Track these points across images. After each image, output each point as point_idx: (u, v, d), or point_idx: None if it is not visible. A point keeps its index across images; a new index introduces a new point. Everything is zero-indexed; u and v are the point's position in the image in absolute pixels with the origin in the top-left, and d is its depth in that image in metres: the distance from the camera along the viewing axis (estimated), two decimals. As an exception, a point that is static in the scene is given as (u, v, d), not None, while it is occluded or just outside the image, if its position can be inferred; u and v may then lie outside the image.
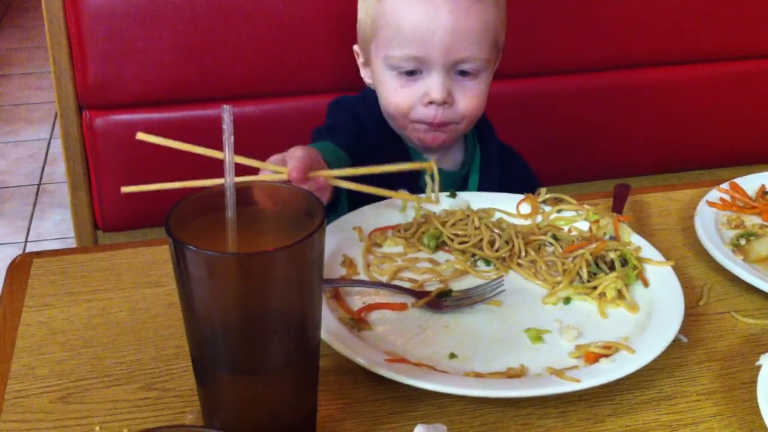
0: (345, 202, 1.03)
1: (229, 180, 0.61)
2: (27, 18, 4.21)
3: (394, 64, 1.11)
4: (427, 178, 1.00)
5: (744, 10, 1.64)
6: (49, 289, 0.88)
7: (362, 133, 1.17)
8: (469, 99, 1.12)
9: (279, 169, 0.86)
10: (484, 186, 1.19)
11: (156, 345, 0.80)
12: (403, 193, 0.97)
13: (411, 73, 1.10)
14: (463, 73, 1.11)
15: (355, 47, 1.21)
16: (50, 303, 0.86)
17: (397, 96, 1.12)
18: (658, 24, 1.61)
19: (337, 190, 0.97)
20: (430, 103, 1.10)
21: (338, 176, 0.89)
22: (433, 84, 1.09)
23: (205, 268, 0.57)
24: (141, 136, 0.92)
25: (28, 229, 2.58)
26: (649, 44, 1.63)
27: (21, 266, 0.91)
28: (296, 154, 0.87)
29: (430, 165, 0.98)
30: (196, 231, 0.60)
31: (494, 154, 1.23)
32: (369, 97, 1.20)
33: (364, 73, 1.21)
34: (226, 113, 0.63)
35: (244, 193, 0.63)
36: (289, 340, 0.62)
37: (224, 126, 0.63)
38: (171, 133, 1.43)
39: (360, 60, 1.21)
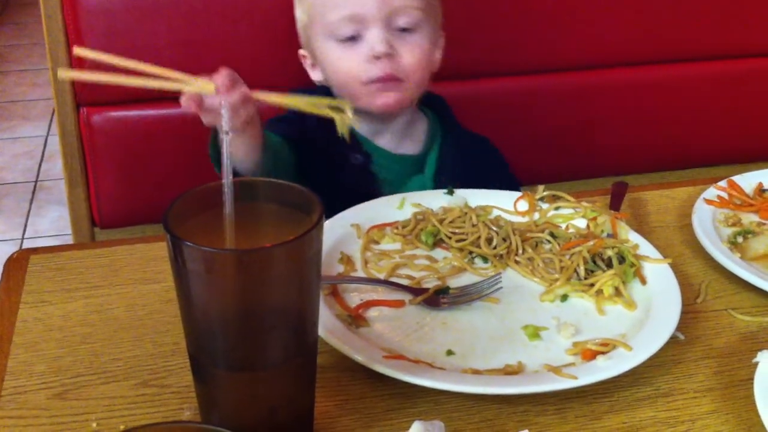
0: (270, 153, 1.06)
1: (227, 177, 0.61)
2: (24, 14, 4.20)
3: (333, 30, 1.12)
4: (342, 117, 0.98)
5: (741, 8, 1.64)
6: (46, 285, 0.88)
7: (303, 122, 1.16)
8: (411, 53, 1.13)
9: (205, 83, 0.90)
10: (440, 171, 1.20)
11: (153, 342, 0.80)
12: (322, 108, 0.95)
13: (351, 39, 1.12)
14: (403, 30, 1.12)
15: (301, 51, 1.23)
16: (47, 299, 0.86)
17: (343, 62, 1.14)
18: (655, 22, 1.61)
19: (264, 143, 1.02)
20: (377, 59, 1.11)
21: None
22: (373, 39, 1.11)
23: (202, 264, 0.57)
24: (78, 51, 0.95)
25: (25, 226, 2.58)
26: (648, 42, 1.63)
27: (18, 262, 0.91)
28: (221, 71, 0.92)
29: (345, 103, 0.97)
30: (194, 227, 0.60)
31: (456, 141, 1.23)
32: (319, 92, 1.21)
33: (314, 74, 1.23)
34: (225, 109, 0.63)
35: (242, 189, 0.63)
36: (287, 337, 0.62)
37: (222, 122, 0.63)
38: (169, 129, 1.44)
39: (308, 62, 1.23)
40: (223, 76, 0.91)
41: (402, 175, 1.20)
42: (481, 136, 1.31)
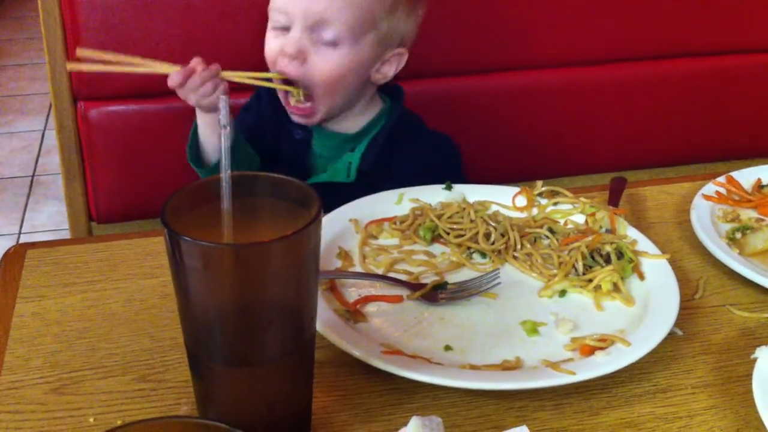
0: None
1: (225, 171, 0.61)
2: (21, 9, 4.19)
3: (271, 16, 1.17)
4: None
5: (740, 4, 1.64)
6: (43, 280, 0.87)
7: (259, 105, 1.29)
8: (323, 65, 1.16)
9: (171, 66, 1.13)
10: (366, 156, 1.22)
11: (151, 336, 0.80)
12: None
13: (283, 29, 1.16)
14: (327, 43, 1.15)
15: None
16: (44, 294, 0.85)
17: (267, 47, 1.19)
18: (655, 17, 1.61)
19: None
20: (285, 56, 1.16)
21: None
22: (289, 39, 1.15)
23: (200, 259, 0.57)
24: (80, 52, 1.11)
25: (22, 221, 2.57)
26: (647, 37, 1.63)
27: (15, 257, 0.91)
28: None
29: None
30: (192, 222, 0.59)
31: (391, 131, 1.24)
32: None
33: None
34: (223, 103, 0.63)
35: (240, 184, 0.62)
36: (285, 332, 0.62)
37: (220, 116, 0.63)
38: (166, 124, 1.44)
39: None
40: (194, 60, 1.12)
41: (336, 151, 1.24)
42: (441, 135, 1.32)
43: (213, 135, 1.20)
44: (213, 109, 1.16)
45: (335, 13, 1.13)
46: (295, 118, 1.21)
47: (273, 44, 1.18)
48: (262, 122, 1.29)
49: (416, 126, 1.30)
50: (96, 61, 1.12)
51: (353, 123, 1.25)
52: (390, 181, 1.04)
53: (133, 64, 1.12)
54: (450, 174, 1.15)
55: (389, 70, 1.22)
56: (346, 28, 1.14)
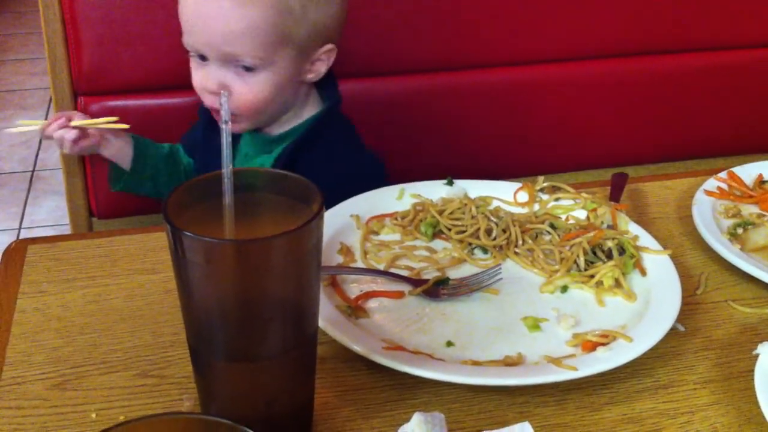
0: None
1: (226, 167, 0.61)
2: (20, 4, 4.19)
3: (185, 45, 1.16)
4: None
5: (741, -1, 1.64)
6: (45, 275, 0.87)
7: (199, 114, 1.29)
8: (245, 92, 1.15)
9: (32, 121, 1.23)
10: (279, 158, 1.21)
11: (152, 332, 0.80)
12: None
13: (202, 58, 1.15)
14: (245, 68, 1.14)
15: None
16: (45, 290, 0.85)
17: (193, 77, 1.18)
18: (655, 12, 1.61)
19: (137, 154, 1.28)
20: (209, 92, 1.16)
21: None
22: (208, 74, 1.15)
23: (202, 254, 0.57)
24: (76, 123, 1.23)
25: (22, 216, 2.57)
26: (647, 33, 1.63)
27: (16, 252, 0.91)
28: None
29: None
30: (194, 217, 0.59)
31: (308, 137, 1.22)
32: None
33: None
34: (224, 98, 0.63)
35: (241, 179, 0.62)
36: (287, 328, 0.62)
37: (222, 111, 0.63)
38: (166, 119, 1.44)
39: None
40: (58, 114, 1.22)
41: (255, 151, 1.25)
42: (361, 153, 1.28)
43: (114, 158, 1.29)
44: (92, 151, 1.26)
45: (244, 48, 1.11)
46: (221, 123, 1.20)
47: (196, 77, 1.17)
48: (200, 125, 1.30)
49: (341, 135, 1.26)
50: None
51: (281, 125, 1.23)
52: None
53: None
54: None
55: (321, 67, 1.20)
56: (259, 55, 1.12)
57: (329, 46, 1.19)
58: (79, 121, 1.22)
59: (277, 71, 1.15)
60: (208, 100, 1.17)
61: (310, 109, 1.24)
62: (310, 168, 1.18)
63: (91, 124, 1.23)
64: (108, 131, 1.25)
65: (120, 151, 1.28)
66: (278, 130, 1.23)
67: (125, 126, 1.22)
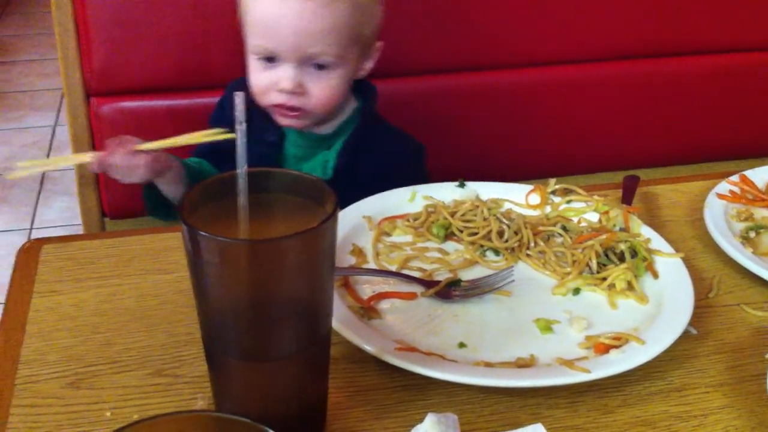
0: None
1: (241, 167, 0.61)
2: (31, 4, 4.20)
3: (254, 51, 1.16)
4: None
5: (755, 0, 1.64)
6: (58, 275, 0.88)
7: (223, 116, 1.26)
8: (321, 91, 1.16)
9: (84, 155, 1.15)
10: (341, 154, 1.22)
11: (166, 331, 0.80)
12: (198, 135, 1.08)
13: (269, 59, 1.15)
14: (318, 66, 1.15)
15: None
16: (59, 289, 0.86)
17: (255, 79, 1.18)
18: (668, 14, 1.61)
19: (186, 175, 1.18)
20: (280, 90, 1.16)
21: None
22: (283, 74, 1.15)
23: (218, 254, 0.57)
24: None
25: (33, 216, 2.58)
26: (660, 35, 1.62)
27: (30, 252, 0.91)
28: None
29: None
30: (208, 217, 0.60)
31: (365, 130, 1.25)
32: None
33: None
34: (239, 99, 0.63)
35: (256, 179, 0.62)
36: (301, 327, 0.62)
37: (237, 113, 0.63)
38: (177, 120, 1.44)
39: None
40: (109, 141, 1.10)
41: (310, 151, 1.25)
42: (405, 134, 1.32)
43: (169, 186, 1.18)
44: (159, 175, 1.15)
45: (325, 46, 1.13)
46: (285, 121, 1.20)
47: (262, 78, 1.17)
48: (231, 130, 1.28)
49: (384, 124, 1.31)
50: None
51: (330, 123, 1.25)
52: (360, 177, 1.09)
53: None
54: (415, 170, 1.19)
55: (370, 65, 1.23)
56: (336, 53, 1.14)
57: (380, 43, 1.23)
58: (147, 144, 1.10)
59: (346, 68, 1.17)
60: (278, 99, 1.16)
61: (350, 104, 1.26)
62: (377, 156, 1.23)
63: (169, 144, 1.09)
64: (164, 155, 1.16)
65: (176, 177, 1.18)
66: (329, 128, 1.25)
67: (228, 136, 1.06)
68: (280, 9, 1.12)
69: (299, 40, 1.12)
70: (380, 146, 1.26)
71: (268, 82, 1.16)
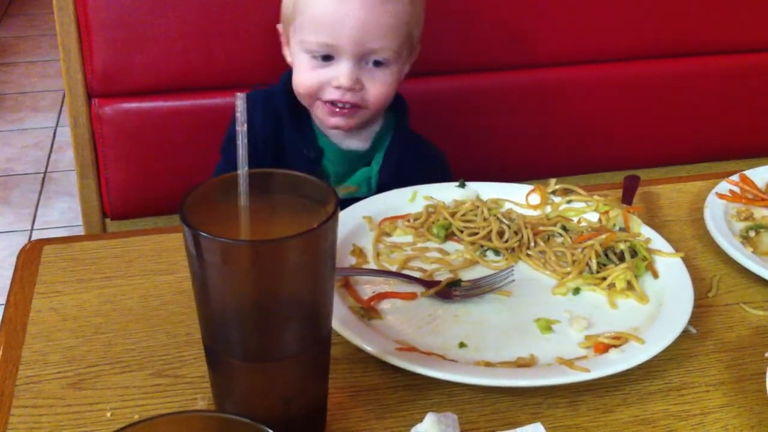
0: None
1: (242, 168, 0.61)
2: (33, 6, 4.21)
3: (308, 48, 1.15)
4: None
5: (755, 1, 1.64)
6: (60, 275, 0.88)
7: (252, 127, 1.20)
8: (377, 87, 1.16)
9: None
10: (384, 168, 1.23)
11: (167, 332, 0.80)
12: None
13: (324, 58, 1.15)
14: (375, 63, 1.15)
15: (279, 27, 1.25)
16: (61, 290, 0.86)
17: (308, 76, 1.17)
18: (668, 15, 1.61)
19: None
20: (337, 86, 1.15)
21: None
22: (342, 71, 1.14)
23: (219, 255, 0.57)
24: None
25: (34, 217, 2.58)
26: (660, 35, 1.62)
27: (31, 253, 0.92)
28: None
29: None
30: (210, 218, 0.60)
31: (401, 142, 1.26)
32: (283, 81, 1.24)
33: (285, 52, 1.25)
34: (240, 100, 0.63)
35: (257, 180, 0.63)
36: (302, 328, 0.63)
37: (238, 114, 0.63)
38: (179, 121, 1.44)
39: (282, 39, 1.24)
40: None
41: (349, 168, 1.24)
42: (432, 144, 1.34)
43: None
44: None
45: (385, 42, 1.13)
46: (332, 120, 1.19)
47: (315, 75, 1.16)
48: (254, 138, 1.26)
49: (414, 134, 1.32)
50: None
51: (364, 138, 1.25)
52: None
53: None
54: (447, 176, 1.18)
55: (408, 69, 1.24)
56: (393, 50, 1.15)
57: (419, 46, 1.24)
58: None
59: (399, 67, 1.18)
60: (333, 95, 1.16)
61: (381, 121, 1.26)
62: (416, 169, 1.22)
63: None
64: None
65: None
66: (364, 143, 1.25)
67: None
68: (346, 5, 1.11)
69: (362, 34, 1.12)
70: (417, 156, 1.27)
71: (323, 79, 1.15)
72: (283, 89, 1.24)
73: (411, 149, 1.27)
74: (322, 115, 1.19)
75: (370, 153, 1.25)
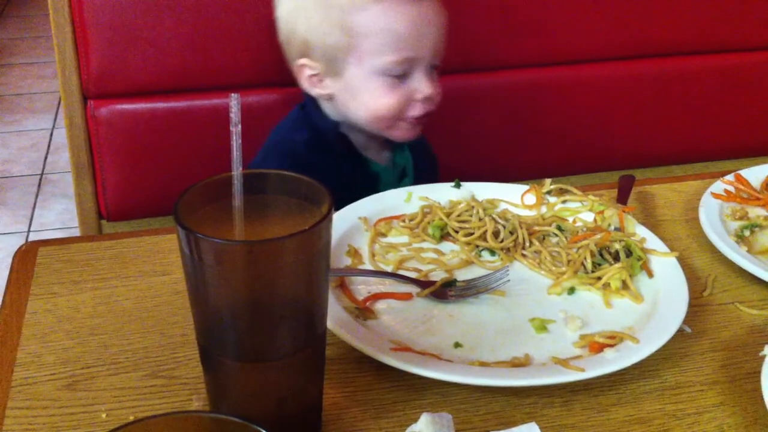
0: None
1: (236, 168, 0.61)
2: (29, 8, 4.21)
3: (387, 69, 1.14)
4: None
5: (749, 0, 1.64)
6: (55, 277, 0.88)
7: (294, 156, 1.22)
8: (438, 88, 1.19)
9: None
10: (417, 173, 1.27)
11: (162, 333, 0.80)
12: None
13: (400, 76, 1.15)
14: (433, 67, 1.18)
15: (303, 61, 1.21)
16: (56, 291, 0.86)
17: (388, 98, 1.16)
18: (663, 15, 1.61)
19: None
20: (422, 100, 1.16)
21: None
22: (424, 82, 1.15)
23: (213, 255, 0.57)
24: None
25: (31, 219, 2.58)
26: (655, 35, 1.63)
27: (27, 254, 0.91)
28: None
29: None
30: (204, 218, 0.60)
31: (417, 145, 1.29)
32: (309, 113, 1.23)
33: (317, 89, 1.21)
34: (234, 101, 0.63)
35: (251, 181, 0.63)
36: (296, 328, 0.63)
37: (232, 114, 0.63)
38: (175, 122, 1.44)
39: (311, 72, 1.20)
40: None
41: (395, 183, 1.26)
42: (424, 140, 1.36)
43: None
44: None
45: (444, 43, 1.17)
46: (410, 133, 1.20)
47: (396, 95, 1.16)
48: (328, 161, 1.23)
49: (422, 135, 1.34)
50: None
51: (383, 154, 1.28)
52: None
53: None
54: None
55: None
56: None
57: None
58: None
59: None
60: (418, 110, 1.17)
61: None
62: (426, 163, 1.27)
63: None
64: None
65: None
66: (389, 156, 1.27)
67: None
68: (423, 15, 1.13)
69: (438, 41, 1.15)
70: (427, 152, 1.32)
71: (404, 97, 1.16)
72: (331, 128, 1.22)
73: (423, 152, 1.30)
74: (402, 133, 1.19)
75: (402, 163, 1.28)
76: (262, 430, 0.48)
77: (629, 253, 0.89)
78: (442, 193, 1.01)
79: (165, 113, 1.45)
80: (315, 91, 1.22)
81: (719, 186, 1.05)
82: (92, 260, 0.91)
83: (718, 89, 1.71)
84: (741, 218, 1.00)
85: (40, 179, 2.79)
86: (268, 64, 1.46)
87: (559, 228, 0.94)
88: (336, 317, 0.78)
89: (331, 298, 0.79)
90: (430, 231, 0.94)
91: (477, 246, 0.93)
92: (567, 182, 1.03)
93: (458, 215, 0.95)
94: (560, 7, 1.56)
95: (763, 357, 0.74)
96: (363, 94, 1.17)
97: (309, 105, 1.24)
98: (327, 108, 1.24)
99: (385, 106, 1.16)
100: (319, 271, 0.61)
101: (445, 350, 0.77)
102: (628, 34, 1.61)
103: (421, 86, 1.14)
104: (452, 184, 1.02)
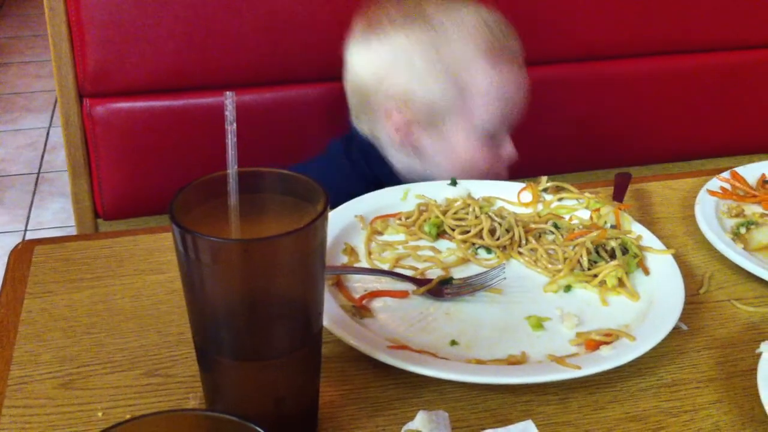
0: None
1: (232, 167, 0.61)
2: (26, 7, 4.20)
3: (489, 126, 1.18)
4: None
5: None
6: (51, 276, 0.88)
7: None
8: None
9: None
10: None
11: (158, 331, 0.80)
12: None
13: (493, 135, 1.20)
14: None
15: (396, 108, 1.18)
16: (52, 290, 0.86)
17: (475, 155, 1.19)
18: (659, 13, 1.61)
19: None
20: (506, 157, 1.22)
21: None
22: (507, 143, 1.22)
23: (209, 254, 0.57)
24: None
25: (28, 218, 2.58)
26: (651, 34, 1.63)
27: (23, 253, 0.91)
28: None
29: None
30: (199, 217, 0.60)
31: None
32: (366, 151, 1.24)
33: (407, 134, 1.19)
34: (229, 100, 0.63)
35: (247, 179, 0.63)
36: (292, 327, 0.63)
37: (227, 113, 0.63)
38: (172, 121, 1.44)
39: (400, 120, 1.18)
40: None
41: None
42: None
43: None
44: None
45: None
46: None
47: (482, 151, 1.20)
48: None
49: None
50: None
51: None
52: None
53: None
54: None
55: None
56: None
57: None
58: None
59: None
60: (503, 172, 1.22)
61: None
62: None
63: None
64: None
65: None
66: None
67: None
68: (522, 79, 1.22)
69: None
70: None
71: (488, 157, 1.19)
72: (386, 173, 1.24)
73: None
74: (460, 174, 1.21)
75: None
76: (258, 428, 0.48)
77: (625, 250, 0.89)
78: (438, 190, 1.01)
79: (162, 112, 1.45)
80: (399, 138, 1.19)
81: (715, 183, 1.05)
82: (88, 259, 0.91)
83: (714, 87, 1.71)
84: (737, 215, 1.00)
85: (37, 178, 2.79)
86: (265, 62, 1.46)
87: (555, 225, 0.94)
88: (332, 315, 0.78)
89: (327, 297, 0.79)
90: (426, 229, 0.94)
91: (473, 244, 0.93)
92: (563, 180, 1.03)
93: (454, 213, 0.95)
94: (555, 5, 1.56)
95: (759, 354, 0.74)
96: (457, 148, 1.19)
97: (365, 148, 1.23)
98: (391, 154, 1.23)
99: (469, 162, 1.19)
100: (315, 270, 0.61)
101: (442, 348, 0.77)
102: (623, 33, 1.61)
103: (508, 148, 1.21)
104: (448, 182, 1.02)
